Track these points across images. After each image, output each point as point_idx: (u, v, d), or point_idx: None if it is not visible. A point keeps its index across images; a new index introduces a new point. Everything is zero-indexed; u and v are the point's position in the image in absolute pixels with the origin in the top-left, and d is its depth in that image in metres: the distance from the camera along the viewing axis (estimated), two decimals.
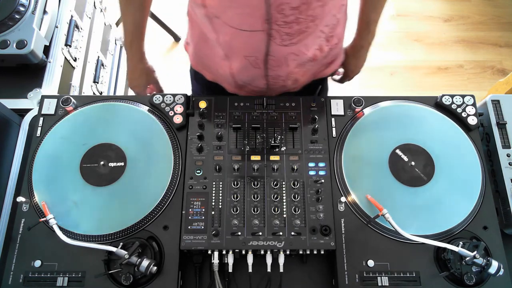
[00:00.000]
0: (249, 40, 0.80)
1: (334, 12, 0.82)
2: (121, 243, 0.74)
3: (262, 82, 0.93)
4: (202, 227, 0.77)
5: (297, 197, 0.79)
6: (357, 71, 1.09)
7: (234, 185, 0.81)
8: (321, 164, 0.83)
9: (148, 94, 1.10)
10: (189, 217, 0.78)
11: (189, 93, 0.90)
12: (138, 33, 0.96)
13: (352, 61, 1.05)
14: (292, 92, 1.01)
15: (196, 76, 1.08)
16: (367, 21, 0.95)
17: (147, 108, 0.89)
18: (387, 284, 0.74)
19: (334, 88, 1.19)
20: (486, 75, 2.48)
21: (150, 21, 2.48)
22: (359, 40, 1.01)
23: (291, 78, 0.92)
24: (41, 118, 0.88)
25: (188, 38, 1.01)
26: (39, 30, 1.12)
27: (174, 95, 0.89)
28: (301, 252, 0.77)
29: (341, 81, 1.13)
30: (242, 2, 0.72)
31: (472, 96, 0.90)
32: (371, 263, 0.75)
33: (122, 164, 0.82)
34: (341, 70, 1.09)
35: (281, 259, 0.76)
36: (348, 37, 1.01)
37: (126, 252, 0.72)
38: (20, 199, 0.78)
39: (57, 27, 1.21)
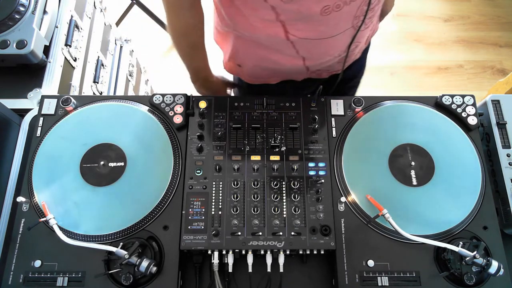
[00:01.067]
0: (335, 43, 0.86)
1: None
2: (121, 243, 0.74)
3: (339, 65, 0.97)
4: (202, 227, 0.77)
5: (297, 197, 0.79)
6: None
7: (234, 185, 0.81)
8: (321, 164, 0.83)
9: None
10: (189, 217, 0.78)
11: (189, 93, 0.90)
12: (205, 64, 1.02)
13: None
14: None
15: (251, 88, 1.09)
16: None
17: (147, 108, 0.89)
18: (387, 284, 0.74)
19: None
20: (486, 75, 2.48)
21: (150, 21, 2.49)
22: None
23: (359, 48, 0.97)
24: (41, 118, 0.88)
25: (234, 60, 1.02)
26: (39, 30, 1.12)
27: (174, 95, 0.89)
28: (301, 252, 0.77)
29: None
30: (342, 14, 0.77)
31: (472, 96, 0.90)
32: (371, 263, 0.75)
33: (122, 164, 0.82)
34: None
35: (281, 259, 0.76)
36: None
37: (126, 252, 0.72)
38: (20, 199, 0.78)
39: (57, 27, 1.21)
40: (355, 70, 1.12)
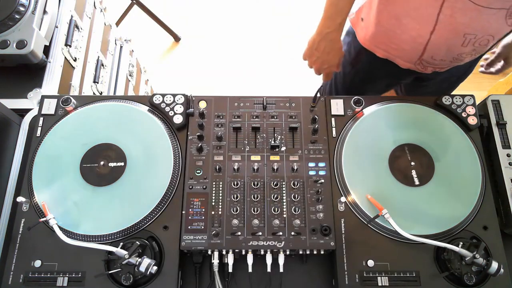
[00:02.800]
0: (487, 18, 0.79)
1: None
2: (121, 243, 0.74)
3: (452, 57, 0.94)
4: (202, 227, 0.77)
5: (297, 197, 0.79)
6: None
7: (234, 185, 0.81)
8: (321, 164, 0.83)
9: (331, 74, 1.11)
10: (189, 217, 0.78)
11: (191, 92, 0.90)
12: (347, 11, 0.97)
13: None
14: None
15: (360, 54, 1.09)
16: None
17: (147, 108, 0.89)
18: (387, 284, 0.74)
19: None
20: (486, 75, 2.48)
21: (150, 21, 2.50)
22: None
23: (478, 54, 0.95)
24: (41, 118, 0.88)
25: (364, 15, 1.02)
26: (39, 30, 1.12)
27: (174, 95, 0.89)
28: (301, 252, 0.77)
29: (498, 72, 1.21)
30: None
31: (472, 96, 0.90)
32: (371, 263, 0.75)
33: (122, 164, 0.82)
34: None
35: (281, 259, 0.76)
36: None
37: (126, 252, 0.72)
38: (20, 199, 0.78)
39: (57, 27, 1.21)
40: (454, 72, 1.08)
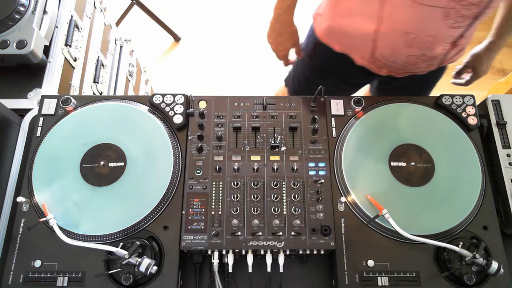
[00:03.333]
0: (422, 15, 0.80)
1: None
2: (121, 243, 0.74)
3: (402, 60, 0.94)
4: (202, 227, 0.77)
5: (297, 197, 0.79)
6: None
7: (234, 185, 0.81)
8: (321, 164, 0.83)
9: (290, 60, 1.14)
10: (189, 217, 0.78)
11: (191, 93, 0.90)
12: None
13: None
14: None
15: (317, 47, 1.09)
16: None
17: (147, 108, 0.89)
18: (387, 284, 0.74)
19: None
20: (486, 75, 2.47)
21: (150, 21, 2.50)
22: (498, 42, 1.06)
23: (431, 60, 0.94)
24: (41, 118, 0.88)
25: (322, 10, 1.03)
26: (39, 30, 1.12)
27: (174, 95, 0.89)
28: (301, 252, 0.77)
29: (467, 83, 1.20)
30: None
31: (472, 96, 0.90)
32: (371, 263, 0.75)
33: (122, 164, 0.82)
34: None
35: (281, 259, 0.76)
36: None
37: (126, 252, 0.72)
38: (20, 199, 0.78)
39: (57, 27, 1.21)
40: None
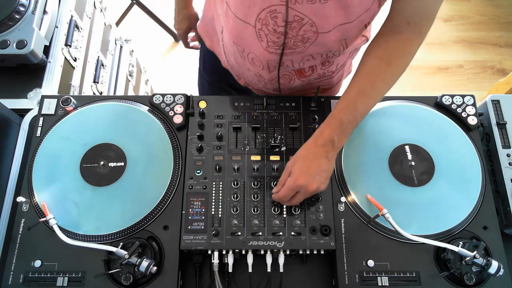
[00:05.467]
0: (240, 29, 0.78)
1: (331, 45, 0.77)
2: (121, 243, 0.74)
3: (248, 74, 0.92)
4: (202, 227, 0.77)
5: None
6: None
7: (234, 185, 0.81)
8: None
9: (190, 42, 1.21)
10: (189, 217, 0.78)
11: (191, 92, 0.90)
12: None
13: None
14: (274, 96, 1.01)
15: (201, 40, 1.11)
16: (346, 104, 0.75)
17: (147, 108, 0.89)
18: (387, 284, 0.74)
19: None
20: (486, 75, 2.48)
21: (150, 21, 2.49)
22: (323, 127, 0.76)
23: (275, 85, 0.92)
24: (41, 118, 0.88)
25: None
26: (39, 30, 1.12)
27: (174, 95, 0.89)
28: (301, 252, 0.77)
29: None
30: None
31: (472, 96, 0.90)
32: (371, 263, 0.75)
33: (122, 164, 0.82)
34: None
35: (281, 259, 0.76)
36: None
37: (126, 252, 0.72)
38: (20, 199, 0.78)
39: (57, 27, 1.21)
40: None
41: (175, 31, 1.20)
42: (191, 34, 1.21)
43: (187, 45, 1.23)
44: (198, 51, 1.20)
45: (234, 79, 1.04)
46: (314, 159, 0.72)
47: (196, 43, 1.23)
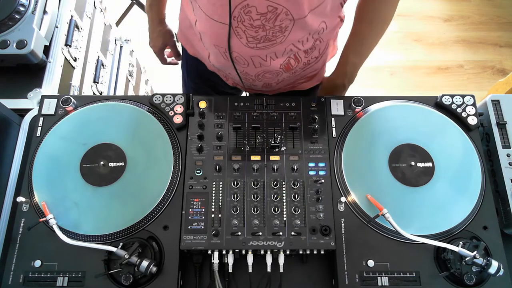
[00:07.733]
0: (217, 30, 0.78)
1: (310, 29, 0.79)
2: (121, 243, 0.74)
3: (234, 73, 0.92)
4: (202, 227, 0.77)
5: (297, 197, 0.79)
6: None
7: (234, 185, 0.81)
8: (321, 164, 0.83)
9: (167, 58, 1.21)
10: (189, 217, 0.78)
11: (191, 93, 0.90)
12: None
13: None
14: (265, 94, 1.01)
15: (183, 48, 1.12)
16: (346, 60, 0.94)
17: (147, 108, 0.89)
18: (387, 284, 0.74)
19: None
20: (486, 75, 2.48)
21: None
22: (335, 77, 0.98)
23: (262, 81, 0.92)
24: (41, 118, 0.88)
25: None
26: (39, 30, 1.12)
27: (174, 95, 0.89)
28: (301, 252, 0.77)
29: None
30: None
31: (472, 96, 0.90)
32: (371, 263, 0.75)
33: (122, 164, 0.82)
34: None
35: (281, 259, 0.76)
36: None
37: (126, 252, 0.72)
38: (20, 199, 0.78)
39: (57, 27, 1.21)
40: None
41: (151, 49, 1.19)
42: (167, 51, 1.20)
43: (164, 61, 1.22)
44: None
45: (221, 82, 1.05)
46: None
47: (173, 59, 1.23)
